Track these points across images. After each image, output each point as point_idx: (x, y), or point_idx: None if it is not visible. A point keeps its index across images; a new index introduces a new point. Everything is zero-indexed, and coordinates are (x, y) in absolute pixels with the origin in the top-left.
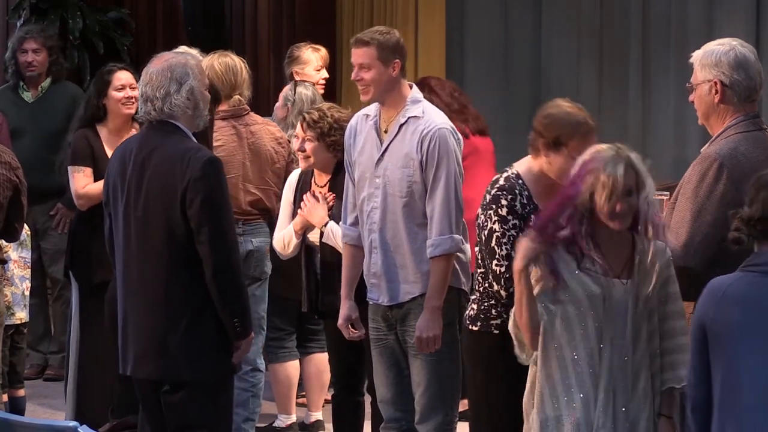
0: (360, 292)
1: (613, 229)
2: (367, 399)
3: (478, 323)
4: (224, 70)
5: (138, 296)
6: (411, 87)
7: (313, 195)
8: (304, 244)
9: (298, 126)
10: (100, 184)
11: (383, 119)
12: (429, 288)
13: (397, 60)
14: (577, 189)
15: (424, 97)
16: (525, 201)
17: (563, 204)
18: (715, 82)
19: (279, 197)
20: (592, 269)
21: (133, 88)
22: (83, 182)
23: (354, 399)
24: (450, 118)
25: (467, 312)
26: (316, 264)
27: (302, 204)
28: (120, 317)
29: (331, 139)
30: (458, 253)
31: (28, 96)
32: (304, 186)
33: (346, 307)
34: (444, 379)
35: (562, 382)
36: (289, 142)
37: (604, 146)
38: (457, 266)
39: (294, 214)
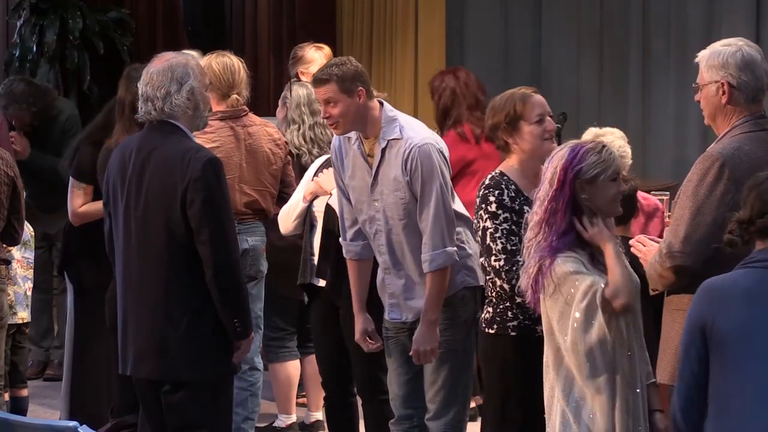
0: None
1: (612, 214)
2: (359, 400)
3: (495, 326)
4: (222, 70)
5: (138, 296)
6: (382, 105)
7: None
8: (307, 218)
9: None
10: (97, 204)
11: (365, 143)
12: (425, 302)
13: (361, 88)
14: (574, 173)
15: (450, 87)
16: (513, 194)
17: (555, 198)
18: (723, 83)
19: (274, 198)
20: (603, 267)
21: None
22: (81, 201)
23: (346, 400)
24: (467, 115)
25: (482, 315)
26: (314, 242)
27: (319, 173)
28: (120, 317)
29: None
30: (470, 253)
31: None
32: (326, 165)
33: (360, 321)
34: (458, 376)
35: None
36: (287, 143)
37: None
38: (472, 264)
39: None
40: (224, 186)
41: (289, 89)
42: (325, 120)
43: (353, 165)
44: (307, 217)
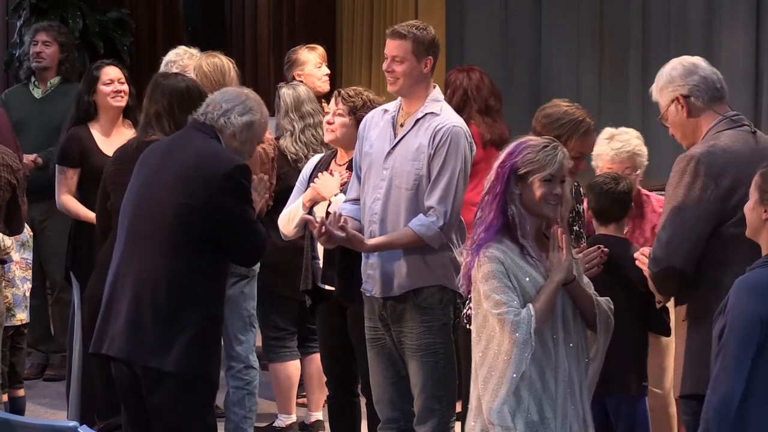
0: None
1: (542, 215)
2: (363, 400)
3: None
4: (212, 70)
5: (126, 278)
6: (435, 87)
7: (330, 172)
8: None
9: (332, 100)
10: (81, 209)
11: (401, 114)
12: (383, 237)
13: (430, 57)
14: (509, 167)
15: (464, 86)
16: None
17: (493, 191)
18: (677, 98)
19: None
20: (533, 260)
21: (121, 82)
22: (64, 188)
23: (349, 399)
24: (478, 119)
25: (464, 311)
26: (317, 246)
27: (315, 179)
28: (105, 300)
29: (362, 116)
30: (456, 256)
31: (37, 92)
32: (322, 166)
33: None
34: (440, 380)
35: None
36: (278, 141)
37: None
38: (452, 268)
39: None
40: (250, 192)
41: (277, 96)
42: (387, 73)
43: (378, 135)
44: (305, 225)
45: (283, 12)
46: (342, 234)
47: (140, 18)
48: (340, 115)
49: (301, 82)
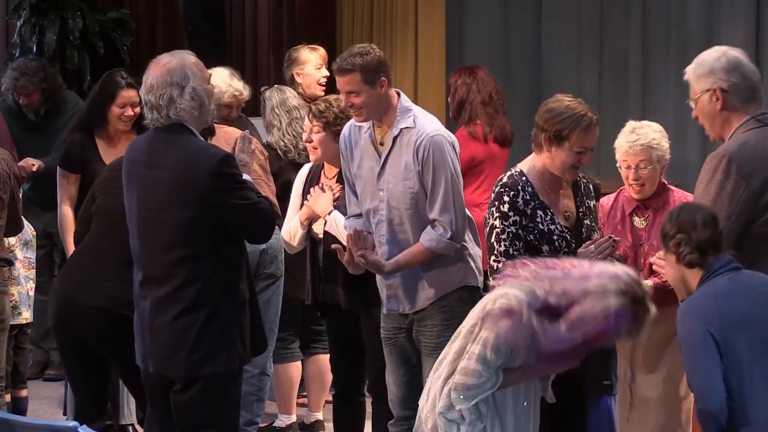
0: (370, 293)
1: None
2: (368, 399)
3: None
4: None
5: (152, 295)
6: (399, 95)
7: (321, 187)
8: (309, 237)
9: (306, 118)
10: (68, 236)
11: (377, 131)
12: (402, 255)
13: (383, 77)
14: (608, 332)
15: (467, 83)
16: (529, 197)
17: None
18: (714, 90)
19: (274, 191)
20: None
21: (134, 105)
22: (65, 195)
23: (355, 399)
24: (481, 110)
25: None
26: (320, 257)
27: (308, 196)
28: (137, 315)
29: (338, 128)
30: (472, 254)
31: (30, 115)
32: (313, 179)
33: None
34: None
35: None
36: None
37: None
38: (472, 265)
39: (302, 206)
40: (240, 177)
41: (262, 98)
42: (348, 108)
43: (362, 154)
44: (307, 238)
45: (283, 12)
46: (363, 260)
47: (140, 18)
48: (316, 131)
49: (301, 84)
